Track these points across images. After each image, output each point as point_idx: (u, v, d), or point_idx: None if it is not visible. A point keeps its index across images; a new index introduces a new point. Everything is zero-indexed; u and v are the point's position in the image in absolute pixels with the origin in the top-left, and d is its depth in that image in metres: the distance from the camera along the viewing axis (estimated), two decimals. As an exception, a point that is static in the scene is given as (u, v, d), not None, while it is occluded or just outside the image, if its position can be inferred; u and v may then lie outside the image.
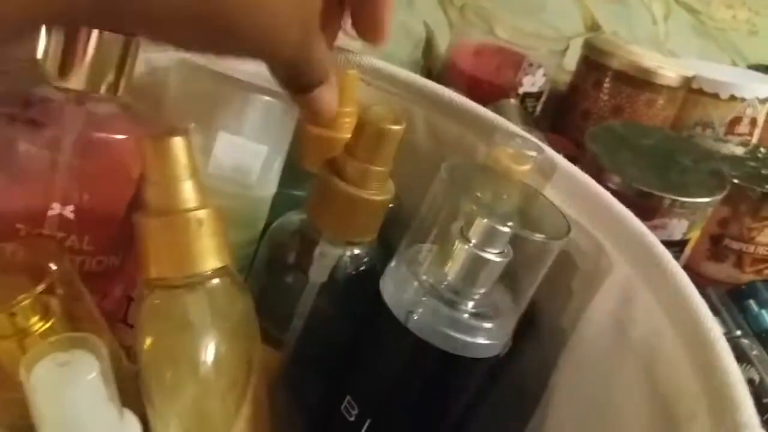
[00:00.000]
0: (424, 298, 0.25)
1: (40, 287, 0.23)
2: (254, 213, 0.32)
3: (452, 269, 0.25)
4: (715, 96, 0.65)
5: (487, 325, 0.25)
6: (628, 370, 0.25)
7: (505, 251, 0.25)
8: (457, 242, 0.25)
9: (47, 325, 0.24)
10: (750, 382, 0.42)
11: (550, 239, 0.25)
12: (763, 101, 0.65)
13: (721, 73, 0.67)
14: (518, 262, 0.25)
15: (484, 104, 0.56)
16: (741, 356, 0.44)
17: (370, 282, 0.27)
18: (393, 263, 0.27)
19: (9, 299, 0.23)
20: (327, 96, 0.27)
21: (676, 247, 0.50)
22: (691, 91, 0.65)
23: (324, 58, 0.26)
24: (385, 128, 0.27)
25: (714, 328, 0.23)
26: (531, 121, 0.60)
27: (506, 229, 0.24)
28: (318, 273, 0.29)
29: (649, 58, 0.65)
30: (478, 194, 0.27)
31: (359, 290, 0.29)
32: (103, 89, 0.27)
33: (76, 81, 0.26)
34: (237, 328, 0.26)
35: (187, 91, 0.30)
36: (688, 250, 0.51)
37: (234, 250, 0.30)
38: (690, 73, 0.64)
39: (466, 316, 0.25)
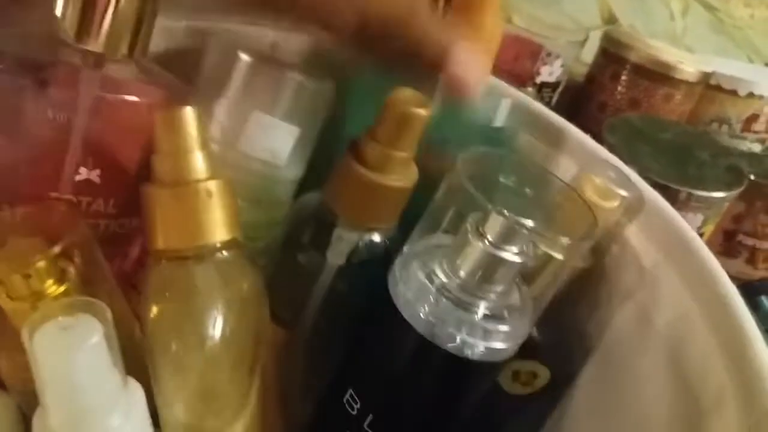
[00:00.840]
0: (432, 297, 0.24)
1: (56, 249, 0.23)
2: (281, 194, 0.31)
3: (465, 267, 0.23)
4: (733, 93, 0.64)
5: (501, 327, 0.23)
6: (653, 356, 0.25)
7: (525, 250, 0.23)
8: (472, 238, 0.23)
9: (62, 289, 0.23)
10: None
11: (574, 241, 0.23)
12: (781, 99, 0.65)
13: (740, 70, 0.67)
14: (539, 261, 0.23)
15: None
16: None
17: (388, 269, 0.26)
18: (403, 254, 0.26)
19: (24, 261, 0.22)
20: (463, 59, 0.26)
21: (690, 241, 0.49)
22: (709, 87, 0.64)
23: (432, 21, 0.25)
24: (409, 111, 0.26)
25: (745, 315, 0.22)
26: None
27: (526, 228, 0.22)
28: (335, 256, 0.28)
29: (668, 53, 0.64)
30: (498, 186, 0.25)
31: (377, 276, 0.27)
32: (120, 52, 0.26)
33: (94, 43, 0.25)
34: (246, 302, 0.26)
35: (221, 67, 0.29)
36: (702, 245, 0.51)
37: (258, 230, 0.30)
38: (709, 69, 0.63)
39: (477, 317, 0.23)
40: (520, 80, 0.64)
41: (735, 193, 0.47)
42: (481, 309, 0.23)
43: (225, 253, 0.24)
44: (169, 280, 0.24)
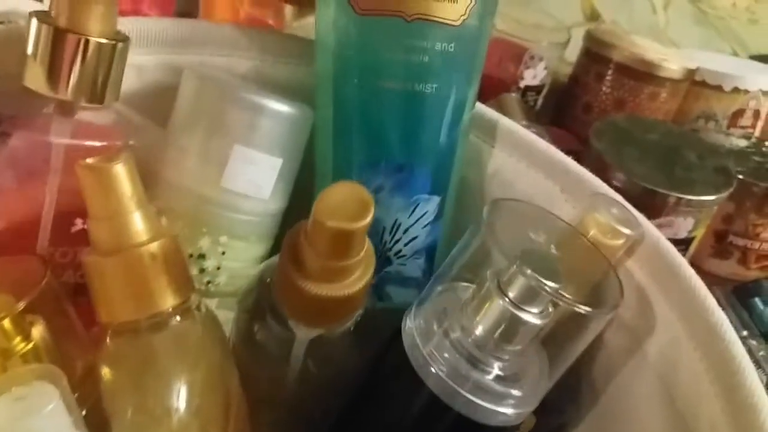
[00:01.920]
0: (446, 354, 0.22)
1: (20, 305, 0.22)
2: (267, 228, 0.30)
3: (482, 324, 0.22)
4: (719, 88, 0.64)
5: (514, 392, 0.22)
6: (646, 385, 0.24)
7: (546, 311, 0.22)
8: (491, 293, 0.22)
9: (30, 346, 0.23)
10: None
11: (598, 312, 0.22)
12: (766, 93, 0.64)
13: (724, 64, 0.66)
14: (560, 324, 0.22)
15: (485, 99, 0.55)
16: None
17: (364, 340, 0.25)
18: (418, 302, 0.24)
19: None
20: None
21: (681, 245, 0.49)
22: (694, 83, 0.64)
23: None
24: (342, 228, 0.21)
25: (736, 344, 0.22)
26: (533, 116, 0.59)
27: (550, 290, 0.21)
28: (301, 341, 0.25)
29: (651, 50, 0.64)
30: (524, 241, 0.24)
31: (352, 350, 0.26)
32: (91, 97, 0.25)
33: (63, 91, 0.25)
34: (209, 363, 0.24)
35: (197, 101, 0.28)
36: (693, 248, 0.50)
37: (246, 266, 0.30)
38: (693, 66, 0.63)
39: (490, 378, 0.22)
40: (503, 85, 0.64)
41: (724, 195, 0.47)
42: (495, 369, 0.22)
43: (179, 317, 0.23)
44: (122, 351, 0.23)
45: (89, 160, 0.22)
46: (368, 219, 0.21)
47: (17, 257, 0.25)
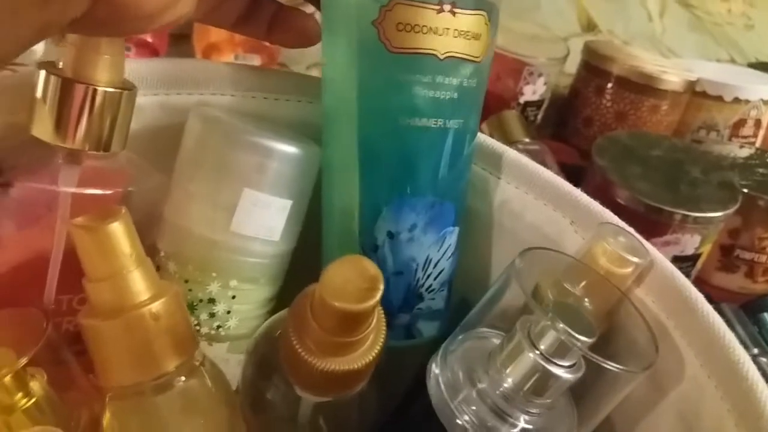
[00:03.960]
0: (473, 406, 0.22)
1: (22, 361, 0.21)
2: (277, 269, 0.30)
3: (511, 376, 0.22)
4: (719, 99, 0.64)
5: None
6: (665, 421, 0.24)
7: (578, 365, 0.21)
8: (522, 345, 0.21)
9: (32, 401, 0.22)
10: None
11: (630, 371, 0.21)
12: (767, 102, 0.64)
13: (724, 74, 0.66)
14: (591, 378, 0.21)
15: (485, 116, 0.55)
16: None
17: (382, 381, 0.24)
18: (444, 349, 0.24)
19: None
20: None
21: (688, 262, 0.49)
22: (695, 93, 0.64)
23: None
24: (348, 309, 0.20)
25: (759, 383, 0.22)
26: (533, 132, 0.59)
27: (582, 345, 0.20)
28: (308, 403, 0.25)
29: (650, 62, 0.64)
30: (557, 294, 0.23)
31: (366, 403, 0.25)
32: (98, 146, 0.25)
33: (71, 140, 0.24)
34: (217, 421, 0.24)
35: (203, 144, 0.28)
36: (700, 264, 0.50)
37: (257, 308, 0.29)
38: (693, 77, 0.63)
39: (515, 431, 0.22)
40: (503, 101, 0.64)
41: (730, 211, 0.47)
42: (522, 423, 0.22)
43: (184, 376, 0.22)
44: (127, 413, 0.22)
45: (83, 220, 0.21)
46: (377, 298, 0.20)
47: (17, 309, 0.25)
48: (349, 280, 0.20)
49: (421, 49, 0.26)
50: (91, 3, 0.19)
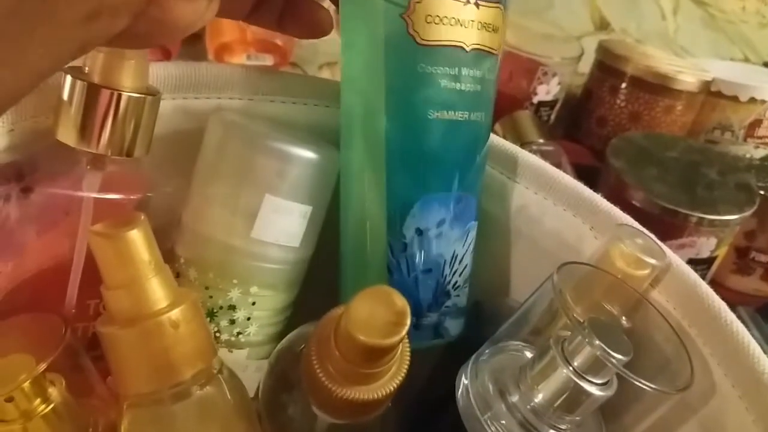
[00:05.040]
0: (503, 420, 0.22)
1: (41, 367, 0.21)
2: (295, 275, 0.30)
3: (543, 391, 0.22)
4: (735, 99, 0.63)
5: None
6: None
7: (611, 382, 0.21)
8: (555, 361, 0.21)
9: (50, 407, 0.22)
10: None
11: (664, 391, 0.21)
12: (783, 102, 0.64)
13: (740, 74, 0.66)
14: (623, 397, 0.21)
15: (498, 116, 0.54)
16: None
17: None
18: (474, 360, 0.24)
19: (10, 381, 0.21)
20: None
21: (703, 264, 0.49)
22: (710, 93, 0.64)
23: None
24: (373, 344, 0.19)
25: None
26: (547, 132, 0.59)
27: (617, 362, 0.20)
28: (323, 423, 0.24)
29: (664, 62, 0.63)
30: (593, 310, 0.23)
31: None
32: (121, 150, 0.25)
33: (96, 145, 0.25)
34: (235, 430, 0.23)
35: (223, 149, 0.28)
36: (715, 266, 0.50)
37: (275, 315, 0.29)
38: (708, 77, 0.62)
39: None
40: (516, 101, 0.63)
41: (747, 214, 0.47)
42: None
43: (202, 384, 0.22)
44: (144, 422, 0.22)
45: (101, 227, 0.21)
46: (403, 333, 0.19)
47: (36, 315, 0.25)
48: (376, 313, 0.19)
49: (450, 41, 0.26)
50: (132, 20, 0.19)
